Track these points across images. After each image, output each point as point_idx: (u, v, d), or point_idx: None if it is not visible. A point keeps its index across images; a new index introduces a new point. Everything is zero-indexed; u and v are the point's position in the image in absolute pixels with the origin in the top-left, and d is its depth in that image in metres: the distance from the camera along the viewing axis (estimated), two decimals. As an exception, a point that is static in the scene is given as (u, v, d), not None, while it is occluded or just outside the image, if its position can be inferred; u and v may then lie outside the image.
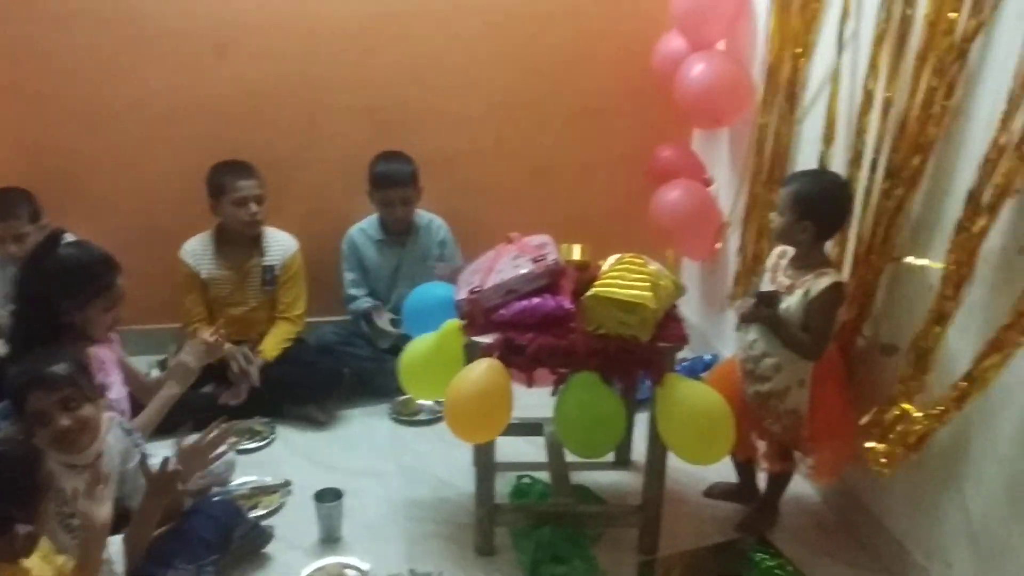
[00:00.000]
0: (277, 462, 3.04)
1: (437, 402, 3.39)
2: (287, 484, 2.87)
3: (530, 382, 2.39)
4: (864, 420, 2.37)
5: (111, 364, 2.65)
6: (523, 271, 2.43)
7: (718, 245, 3.62)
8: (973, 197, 2.07)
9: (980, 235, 2.06)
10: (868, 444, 2.30)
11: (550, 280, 2.44)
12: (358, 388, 3.45)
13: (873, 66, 2.50)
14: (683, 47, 3.41)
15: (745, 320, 2.54)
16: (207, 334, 2.85)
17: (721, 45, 3.44)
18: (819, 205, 2.42)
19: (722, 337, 3.63)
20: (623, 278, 2.39)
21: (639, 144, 3.76)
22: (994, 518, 2.13)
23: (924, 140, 2.29)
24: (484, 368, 2.28)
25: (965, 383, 2.04)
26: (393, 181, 3.50)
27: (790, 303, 2.45)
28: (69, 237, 2.69)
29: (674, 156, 3.71)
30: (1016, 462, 2.04)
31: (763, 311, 2.46)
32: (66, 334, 2.54)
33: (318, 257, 3.60)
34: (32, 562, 1.82)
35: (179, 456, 2.25)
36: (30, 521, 1.74)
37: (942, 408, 2.11)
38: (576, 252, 2.64)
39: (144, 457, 2.29)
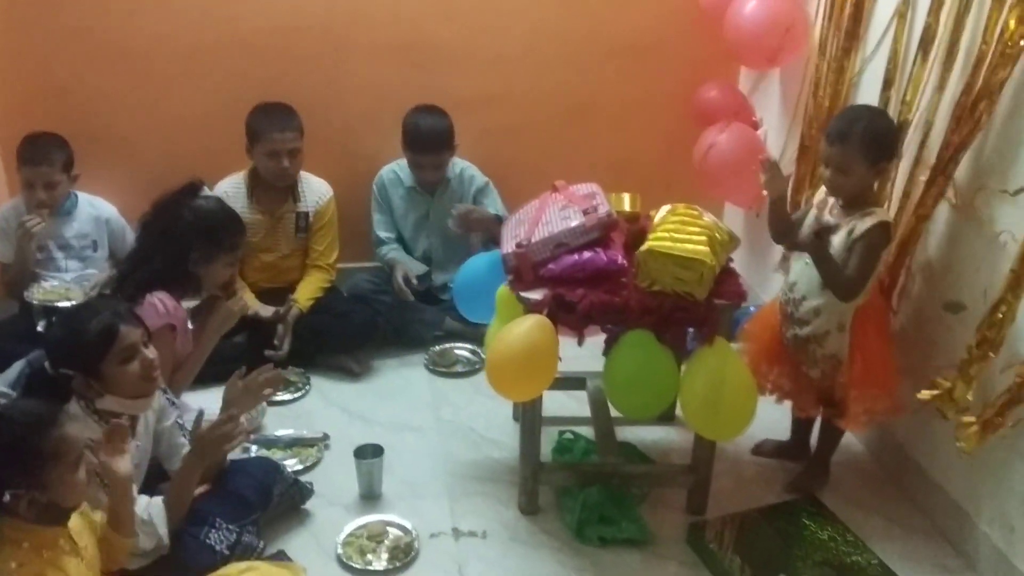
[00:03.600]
0: (313, 414, 2.98)
1: (473, 352, 3.32)
2: (325, 438, 2.80)
3: (581, 339, 2.30)
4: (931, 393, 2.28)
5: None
6: (573, 224, 2.31)
7: (766, 192, 3.47)
8: None
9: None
10: (964, 419, 2.19)
11: (602, 233, 2.32)
12: (393, 338, 3.36)
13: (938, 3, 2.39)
14: (735, -18, 3.23)
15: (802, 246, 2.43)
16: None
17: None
18: (876, 147, 2.29)
19: (767, 288, 3.50)
20: (679, 231, 2.28)
21: (683, 83, 3.60)
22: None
23: (994, 82, 2.16)
24: (530, 325, 2.18)
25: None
26: (425, 147, 3.31)
27: (834, 241, 2.35)
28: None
29: (720, 96, 3.55)
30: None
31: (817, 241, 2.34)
32: (179, 284, 2.58)
33: (350, 201, 3.48)
34: (73, 521, 1.76)
35: (227, 393, 2.24)
36: (38, 487, 1.65)
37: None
38: (626, 202, 2.53)
39: (200, 414, 2.24)
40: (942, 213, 2.42)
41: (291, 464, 2.64)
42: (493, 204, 3.48)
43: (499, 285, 2.43)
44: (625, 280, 2.28)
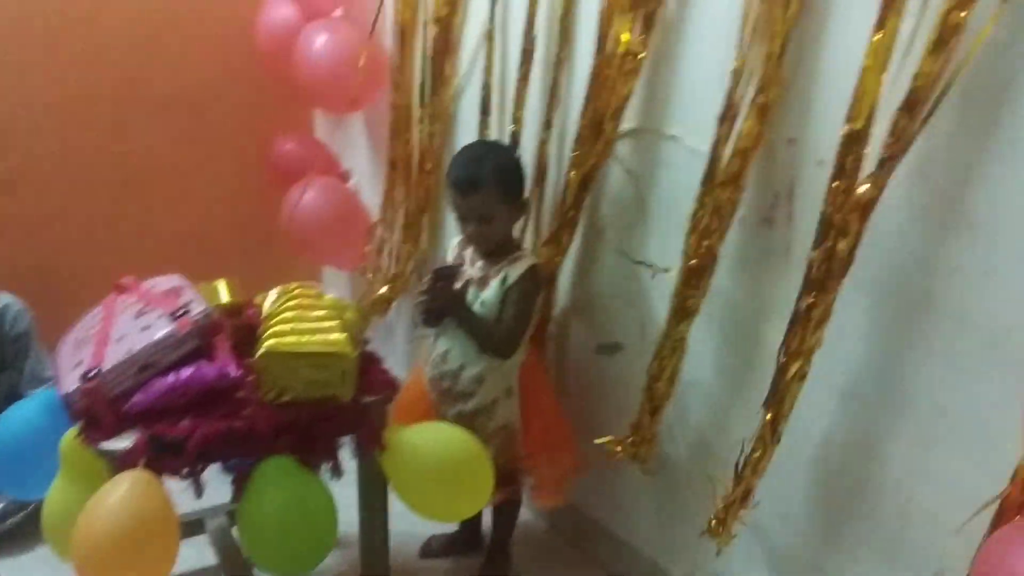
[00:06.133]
0: None
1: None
2: None
3: (199, 489, 1.70)
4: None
5: None
6: (160, 334, 1.70)
7: (368, 248, 3.08)
8: (713, 163, 1.77)
9: (730, 207, 1.76)
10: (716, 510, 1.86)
11: (201, 340, 1.75)
12: None
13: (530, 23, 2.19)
14: (294, 16, 2.81)
15: (429, 307, 2.07)
16: None
17: (338, 12, 2.89)
18: (515, 185, 2.05)
19: (388, 349, 3.11)
20: (301, 319, 1.80)
21: (254, 138, 3.10)
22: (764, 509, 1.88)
23: (616, 100, 1.98)
24: (127, 489, 1.54)
25: (773, 401, 1.69)
26: None
27: (486, 297, 2.06)
28: None
29: (298, 149, 3.11)
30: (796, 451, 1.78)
31: (446, 291, 2.01)
32: None
33: None
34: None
35: None
36: None
37: (761, 445, 1.73)
38: (223, 292, 1.98)
39: None
40: (583, 249, 2.21)
41: None
42: (36, 356, 2.59)
43: (60, 436, 1.74)
44: (244, 395, 1.73)
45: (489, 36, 2.36)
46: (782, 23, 1.60)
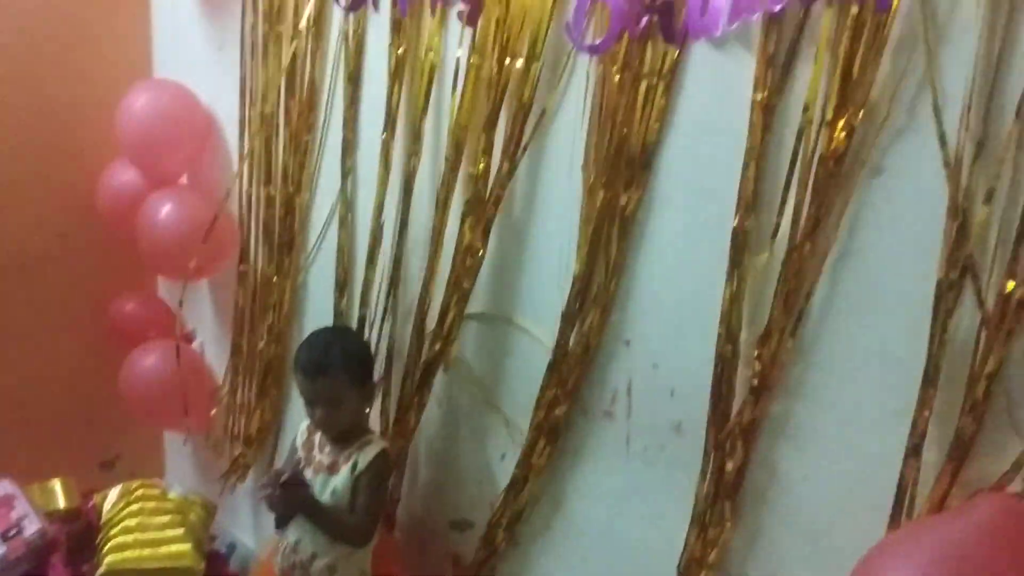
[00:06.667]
0: None
1: None
2: None
3: None
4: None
5: None
6: (-10, 558, 1.62)
7: (213, 411, 3.01)
8: (557, 357, 1.87)
9: (570, 399, 1.86)
10: None
11: (36, 563, 1.66)
12: None
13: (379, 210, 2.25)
14: (137, 181, 2.77)
15: (275, 511, 2.04)
16: None
17: (184, 179, 2.87)
18: (362, 369, 2.08)
19: (235, 518, 3.02)
20: (145, 527, 1.76)
21: (93, 299, 2.99)
22: None
23: (459, 292, 2.06)
24: None
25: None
26: None
27: (336, 484, 2.03)
28: None
29: (139, 309, 3.02)
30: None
31: (292, 500, 1.97)
32: None
33: None
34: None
35: None
36: None
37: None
38: (59, 495, 1.90)
39: None
40: (435, 431, 2.25)
41: None
42: None
43: None
44: (80, 612, 1.66)
45: (342, 218, 2.40)
46: (615, 239, 1.74)
